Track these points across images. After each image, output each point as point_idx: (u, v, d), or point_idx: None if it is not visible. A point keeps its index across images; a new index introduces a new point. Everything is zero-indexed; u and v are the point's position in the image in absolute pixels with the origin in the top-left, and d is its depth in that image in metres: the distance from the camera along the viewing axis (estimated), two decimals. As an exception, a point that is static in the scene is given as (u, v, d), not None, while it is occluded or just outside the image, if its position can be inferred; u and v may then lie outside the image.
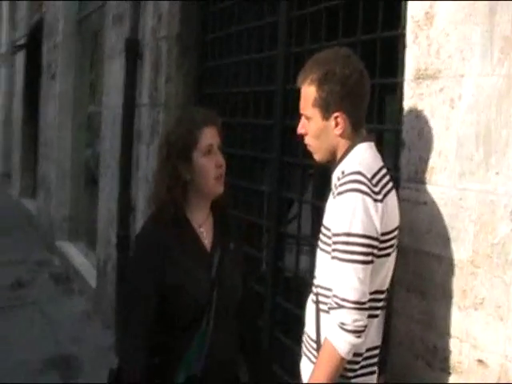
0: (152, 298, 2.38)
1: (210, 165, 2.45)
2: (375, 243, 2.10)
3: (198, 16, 5.24)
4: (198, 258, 2.47)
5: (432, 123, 2.43)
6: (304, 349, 2.32)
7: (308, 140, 2.32)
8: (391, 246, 2.20)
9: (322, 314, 2.21)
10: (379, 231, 2.10)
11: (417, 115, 2.50)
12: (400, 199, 2.55)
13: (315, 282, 2.30)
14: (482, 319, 2.18)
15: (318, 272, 2.29)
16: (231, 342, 2.53)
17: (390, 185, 2.20)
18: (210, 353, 2.39)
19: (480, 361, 2.17)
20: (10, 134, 15.52)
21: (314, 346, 2.22)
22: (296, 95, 2.42)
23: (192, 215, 2.50)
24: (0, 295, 7.45)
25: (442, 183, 2.37)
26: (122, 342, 2.55)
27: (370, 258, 2.08)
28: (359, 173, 2.11)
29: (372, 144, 2.26)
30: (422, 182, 2.46)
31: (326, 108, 2.21)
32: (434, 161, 2.42)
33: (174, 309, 2.40)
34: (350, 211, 2.07)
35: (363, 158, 2.19)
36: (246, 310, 2.66)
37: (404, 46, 2.61)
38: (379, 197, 2.11)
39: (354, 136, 2.25)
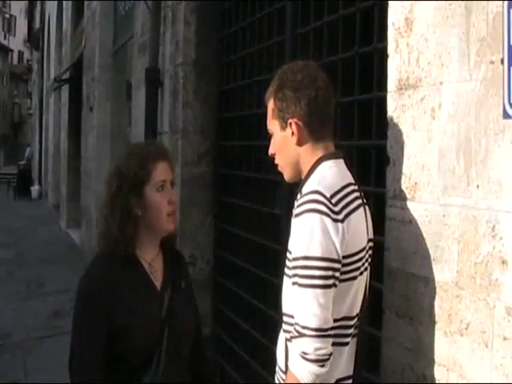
0: (102, 339, 2.23)
1: (162, 201, 2.33)
2: (336, 265, 1.94)
3: (213, 40, 5.20)
4: (147, 296, 2.34)
5: (414, 136, 2.28)
6: (276, 380, 2.17)
7: (276, 159, 2.21)
8: (357, 269, 2.04)
9: (288, 343, 2.06)
10: (340, 253, 1.94)
11: (400, 128, 2.35)
12: (387, 218, 2.42)
13: (282, 309, 2.16)
14: (467, 346, 2.00)
15: (283, 299, 2.15)
16: (183, 382, 2.40)
17: (356, 203, 2.04)
18: None
19: (467, 392, 1.99)
20: (59, 166, 15.84)
21: (284, 376, 2.07)
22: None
23: (142, 252, 2.37)
24: (41, 325, 7.51)
25: (426, 199, 2.22)
26: None
27: (330, 282, 1.93)
28: (317, 192, 1.97)
29: (340, 161, 2.12)
30: (407, 199, 2.31)
31: (282, 117, 2.12)
32: (417, 175, 2.26)
33: (123, 349, 2.26)
34: (308, 233, 1.93)
35: (323, 176, 2.05)
36: (198, 350, 2.53)
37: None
38: (339, 217, 1.96)
39: (316, 149, 2.11)
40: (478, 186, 1.98)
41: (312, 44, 3.51)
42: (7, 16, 67.01)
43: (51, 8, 19.26)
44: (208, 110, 5.22)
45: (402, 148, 2.34)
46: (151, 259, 2.40)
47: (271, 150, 2.21)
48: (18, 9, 66.01)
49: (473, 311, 1.99)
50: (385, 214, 2.45)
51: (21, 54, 68.01)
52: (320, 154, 2.10)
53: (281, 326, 2.19)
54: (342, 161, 2.12)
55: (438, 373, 2.13)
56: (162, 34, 5.73)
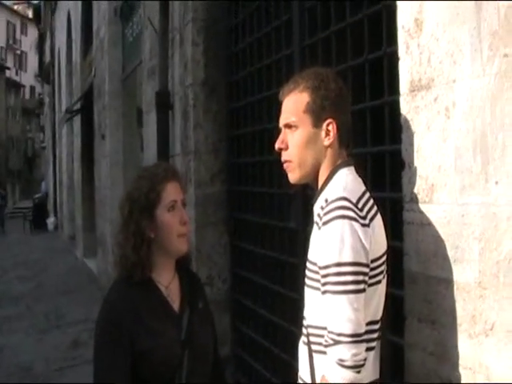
0: (127, 365, 2.20)
1: (173, 221, 2.30)
2: (366, 270, 1.92)
3: (221, 59, 5.21)
4: (166, 320, 2.31)
5: (429, 137, 2.24)
6: None
7: (288, 155, 2.11)
8: (381, 273, 2.02)
9: (315, 356, 2.01)
10: (369, 257, 1.92)
11: (414, 131, 2.32)
12: (404, 222, 2.38)
13: (305, 322, 2.11)
14: (493, 346, 1.95)
15: (307, 311, 2.10)
16: None
17: (375, 209, 2.03)
18: None
19: (495, 393, 1.93)
20: (73, 197, 15.90)
21: None
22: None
23: (158, 276, 2.35)
24: (61, 356, 7.49)
25: (444, 200, 2.17)
26: None
27: (362, 286, 1.90)
28: (344, 198, 1.94)
29: (352, 168, 2.10)
30: (424, 201, 2.27)
31: (319, 114, 2.06)
32: (433, 177, 2.22)
33: (144, 372, 2.22)
34: (338, 239, 1.89)
35: (346, 182, 2.02)
36: (216, 370, 2.50)
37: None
38: (366, 221, 1.94)
39: (339, 155, 2.09)
40: (496, 183, 1.94)
41: (321, 54, 3.49)
42: (18, 52, 67.88)
43: (61, 41, 19.50)
44: (219, 128, 5.21)
45: (417, 150, 2.31)
46: (168, 282, 2.37)
47: (282, 145, 2.13)
48: (28, 45, 66.94)
49: (497, 310, 1.94)
50: (402, 219, 2.41)
51: (32, 88, 68.72)
52: (339, 160, 2.08)
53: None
54: (353, 168, 2.11)
55: (464, 376, 2.07)
56: (171, 56, 5.75)
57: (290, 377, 3.01)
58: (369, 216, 1.97)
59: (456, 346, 2.11)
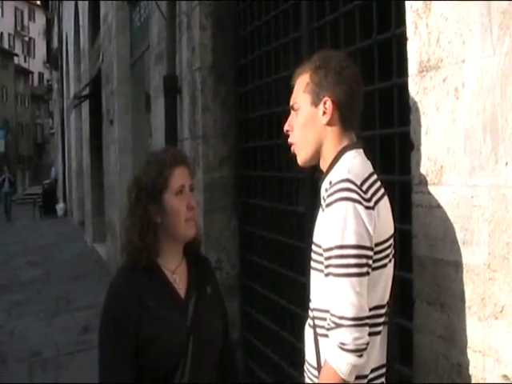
0: (131, 352, 2.20)
1: (181, 206, 2.28)
2: (370, 253, 1.89)
3: (229, 43, 5.18)
4: (171, 306, 2.29)
5: (438, 118, 2.22)
6: (306, 378, 2.11)
7: (293, 137, 2.13)
8: (387, 256, 1.99)
9: (320, 339, 2.00)
10: (373, 240, 1.90)
11: (423, 112, 2.29)
12: (413, 205, 2.36)
13: (311, 305, 2.10)
14: (503, 329, 1.93)
15: (312, 294, 2.09)
16: None
17: (381, 191, 2.00)
18: None
19: (505, 376, 1.92)
20: (82, 182, 15.94)
21: (316, 373, 2.01)
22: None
23: (164, 261, 2.32)
24: (71, 340, 7.53)
25: (453, 182, 2.15)
26: None
27: (365, 270, 1.88)
28: (348, 180, 1.92)
29: (361, 151, 2.08)
30: (433, 183, 2.24)
31: (318, 92, 2.06)
32: (442, 158, 2.20)
33: (149, 358, 2.21)
34: (341, 222, 1.87)
35: (352, 164, 2.00)
36: (226, 358, 2.48)
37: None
38: (370, 204, 1.92)
39: (343, 137, 2.07)
40: (506, 164, 1.92)
41: (329, 36, 3.46)
42: (26, 39, 67.89)
43: (69, 27, 19.46)
44: (227, 113, 5.19)
45: (426, 132, 2.28)
46: (174, 267, 2.35)
47: (288, 128, 2.15)
48: (36, 31, 66.91)
49: (507, 293, 1.91)
50: (411, 202, 2.39)
51: (41, 75, 68.80)
52: (345, 142, 2.06)
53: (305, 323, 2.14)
54: (362, 151, 2.08)
55: (474, 359, 2.06)
56: (178, 40, 5.72)
57: (299, 360, 3.00)
58: (374, 199, 1.94)
59: (465, 330, 2.09)
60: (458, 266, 2.12)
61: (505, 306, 1.92)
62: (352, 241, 1.86)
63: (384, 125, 2.89)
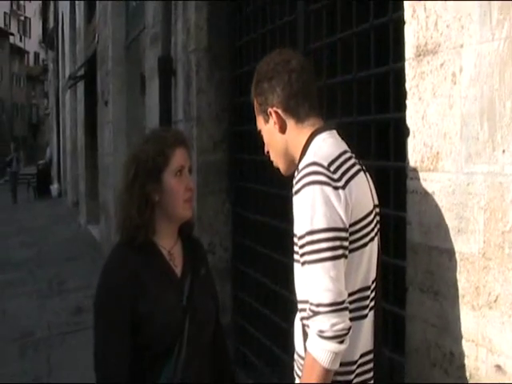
0: (127, 329, 2.19)
1: (179, 187, 2.28)
2: (343, 234, 1.85)
3: (224, 25, 5.12)
4: (168, 284, 2.29)
5: (435, 103, 2.18)
6: (296, 368, 2.08)
7: (271, 155, 2.18)
8: (366, 235, 1.95)
9: (307, 331, 1.96)
10: (346, 221, 1.86)
11: (420, 97, 2.26)
12: (408, 191, 2.33)
13: (297, 298, 2.07)
14: (496, 319, 1.91)
15: (296, 287, 2.06)
16: (205, 369, 2.35)
17: (355, 169, 1.96)
18: (182, 381, 2.22)
19: (498, 366, 1.90)
20: (77, 163, 15.88)
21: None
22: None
23: (160, 240, 2.32)
24: (63, 321, 7.54)
25: (449, 169, 2.12)
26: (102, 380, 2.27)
27: (340, 252, 1.84)
28: (314, 163, 1.88)
29: (333, 132, 2.04)
30: (429, 169, 2.21)
31: (263, 110, 2.11)
32: (439, 145, 2.17)
33: (146, 337, 2.21)
34: (309, 207, 1.84)
35: (319, 147, 1.97)
36: (217, 338, 2.48)
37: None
38: (340, 183, 1.87)
39: (302, 129, 2.04)
40: (503, 151, 1.89)
41: (325, 19, 3.42)
42: (22, 18, 67.40)
43: (64, 7, 19.29)
44: (222, 95, 5.14)
45: (422, 117, 2.25)
46: (170, 247, 2.35)
47: (266, 148, 2.18)
48: (32, 11, 66.41)
49: (502, 282, 1.89)
50: (405, 188, 2.36)
51: (36, 55, 68.41)
52: (308, 132, 2.03)
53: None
54: (335, 132, 2.05)
55: (466, 348, 2.04)
56: (174, 22, 5.65)
57: (290, 345, 2.98)
58: (344, 178, 1.89)
59: (458, 318, 2.07)
60: (452, 254, 2.09)
61: (499, 296, 1.90)
62: (322, 224, 1.83)
63: (380, 110, 2.86)
